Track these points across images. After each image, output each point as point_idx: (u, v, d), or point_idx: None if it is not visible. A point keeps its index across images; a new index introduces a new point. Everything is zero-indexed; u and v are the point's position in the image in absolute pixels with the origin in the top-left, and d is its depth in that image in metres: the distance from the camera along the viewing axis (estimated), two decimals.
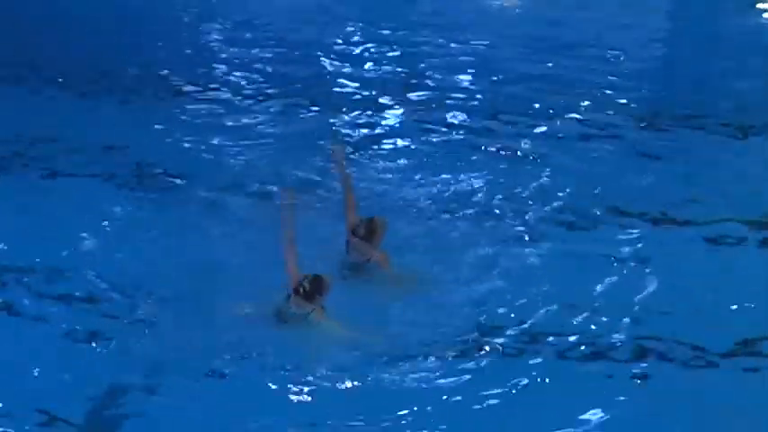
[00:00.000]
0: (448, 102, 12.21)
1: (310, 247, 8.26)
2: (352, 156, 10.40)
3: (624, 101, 12.28)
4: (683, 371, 7.23)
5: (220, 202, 9.44)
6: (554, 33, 14.76)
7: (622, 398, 6.96)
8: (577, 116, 11.73)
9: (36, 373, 7.04)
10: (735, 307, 7.90)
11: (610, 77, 13.03)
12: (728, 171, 10.29)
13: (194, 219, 9.13)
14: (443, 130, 11.34)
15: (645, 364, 7.29)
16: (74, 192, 9.70)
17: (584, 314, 7.75)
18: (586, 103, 12.15)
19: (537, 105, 12.01)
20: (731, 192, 9.70)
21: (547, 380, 7.10)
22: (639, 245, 8.78)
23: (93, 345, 7.38)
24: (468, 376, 7.07)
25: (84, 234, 8.77)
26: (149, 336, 7.45)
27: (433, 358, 7.21)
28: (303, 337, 7.34)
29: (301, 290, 7.32)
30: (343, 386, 6.90)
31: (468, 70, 13.35)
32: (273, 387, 6.92)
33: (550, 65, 13.46)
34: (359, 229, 7.97)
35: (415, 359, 7.19)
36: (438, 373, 7.08)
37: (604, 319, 7.73)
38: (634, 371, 7.23)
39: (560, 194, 9.65)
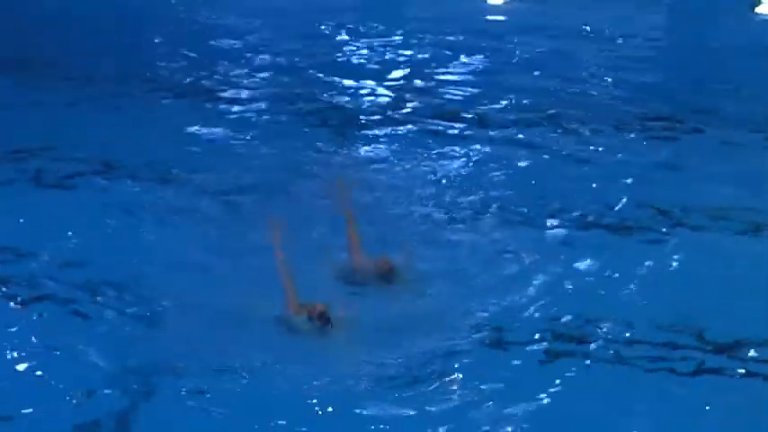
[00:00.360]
0: (453, 101, 12.24)
1: (309, 246, 8.29)
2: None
3: (625, 101, 12.30)
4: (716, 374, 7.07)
5: (221, 202, 9.43)
6: (555, 33, 14.78)
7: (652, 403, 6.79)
8: (580, 115, 11.73)
9: (28, 378, 7.02)
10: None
11: (610, 77, 13.07)
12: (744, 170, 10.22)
13: (195, 219, 9.13)
14: (454, 127, 11.36)
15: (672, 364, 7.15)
16: (72, 192, 9.71)
17: (605, 318, 7.59)
18: (588, 102, 12.18)
19: (539, 105, 12.04)
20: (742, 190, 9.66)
21: (566, 385, 6.95)
22: (663, 246, 8.65)
23: (94, 344, 7.36)
24: (476, 378, 6.95)
25: (83, 234, 8.77)
26: (147, 338, 7.43)
27: (442, 360, 7.11)
28: (310, 344, 7.28)
29: (317, 324, 7.33)
30: (347, 389, 6.84)
31: (474, 70, 13.39)
32: (277, 390, 6.88)
33: (552, 64, 13.49)
34: (385, 271, 8.07)
35: (426, 361, 7.09)
36: (449, 375, 6.99)
37: (625, 323, 7.55)
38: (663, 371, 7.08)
39: (566, 194, 9.63)
